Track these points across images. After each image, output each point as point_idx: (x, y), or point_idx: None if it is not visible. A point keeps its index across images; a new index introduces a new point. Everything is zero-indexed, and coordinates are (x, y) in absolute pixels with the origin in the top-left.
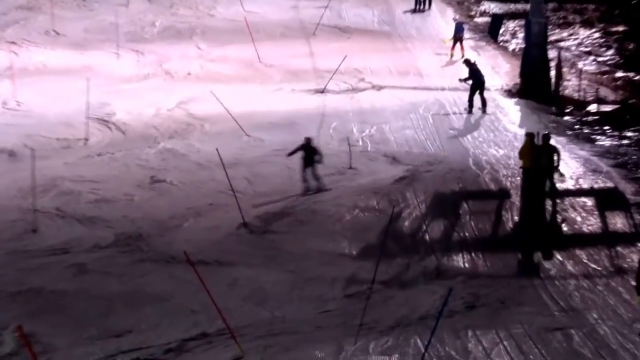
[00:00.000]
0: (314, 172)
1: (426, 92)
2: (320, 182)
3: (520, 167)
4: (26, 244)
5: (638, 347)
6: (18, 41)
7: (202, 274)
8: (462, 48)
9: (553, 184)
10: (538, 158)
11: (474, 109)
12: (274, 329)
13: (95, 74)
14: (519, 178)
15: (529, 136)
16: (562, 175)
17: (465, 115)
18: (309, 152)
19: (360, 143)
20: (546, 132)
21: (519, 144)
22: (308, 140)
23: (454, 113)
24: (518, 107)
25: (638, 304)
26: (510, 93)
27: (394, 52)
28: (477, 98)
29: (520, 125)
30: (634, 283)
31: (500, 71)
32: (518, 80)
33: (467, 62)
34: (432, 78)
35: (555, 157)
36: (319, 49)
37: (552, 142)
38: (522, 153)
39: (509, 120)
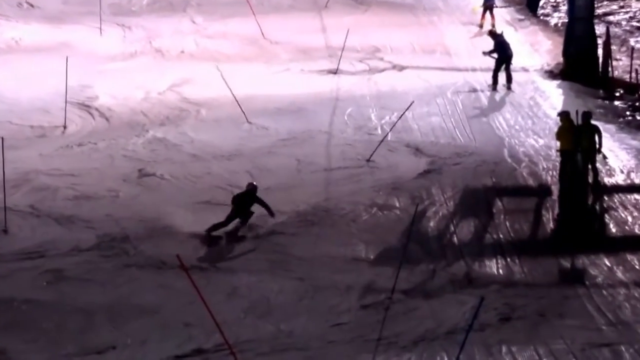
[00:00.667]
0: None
1: (455, 73)
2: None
3: (557, 150)
4: None
5: None
6: None
7: (198, 281)
8: (492, 17)
9: (595, 168)
10: (577, 139)
11: (499, 86)
12: (280, 345)
13: (75, 52)
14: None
15: (565, 115)
16: (605, 157)
17: (499, 100)
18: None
19: (379, 132)
20: (586, 110)
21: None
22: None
23: (487, 97)
24: (560, 91)
25: None
26: (551, 74)
27: (418, 27)
28: (502, 74)
29: (606, 158)
30: None
31: (540, 49)
32: (561, 60)
33: (492, 34)
34: (462, 57)
35: (597, 138)
36: (332, 23)
37: (594, 122)
38: (560, 134)
39: (550, 105)
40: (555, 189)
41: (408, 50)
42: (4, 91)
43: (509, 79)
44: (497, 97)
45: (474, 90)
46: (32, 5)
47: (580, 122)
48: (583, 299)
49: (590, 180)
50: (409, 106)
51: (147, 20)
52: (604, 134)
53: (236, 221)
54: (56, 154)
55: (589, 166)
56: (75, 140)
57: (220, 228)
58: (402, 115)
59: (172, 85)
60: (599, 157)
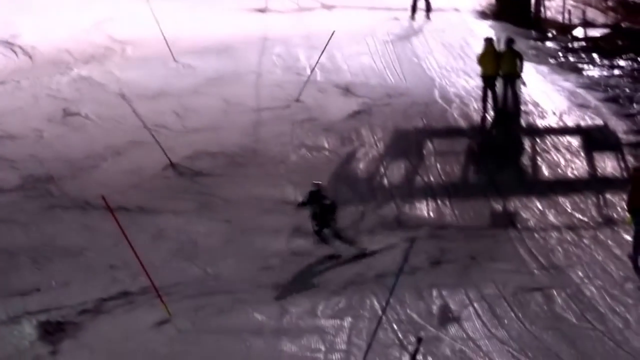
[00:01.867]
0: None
1: (386, 12)
2: (346, 239)
3: (480, 75)
4: None
5: (630, 309)
6: None
7: (123, 222)
8: None
9: (515, 93)
10: (499, 64)
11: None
12: (207, 288)
13: None
14: (489, 114)
15: (488, 41)
16: (524, 84)
17: (430, 40)
18: (322, 208)
19: (308, 72)
20: (509, 37)
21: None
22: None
23: (418, 38)
24: (493, 32)
25: (628, 223)
26: (483, 14)
27: None
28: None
29: (525, 83)
30: (625, 224)
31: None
32: (493, 0)
33: None
34: None
35: (518, 63)
36: None
37: (522, 62)
38: (482, 59)
39: (482, 46)
40: (486, 131)
41: None
42: None
43: (428, 8)
44: (428, 37)
45: (406, 30)
46: None
47: (503, 48)
48: (515, 243)
49: (510, 104)
50: (331, 36)
51: None
52: (536, 75)
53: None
54: None
55: (509, 91)
56: None
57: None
58: (324, 48)
59: (97, 22)
60: (519, 82)
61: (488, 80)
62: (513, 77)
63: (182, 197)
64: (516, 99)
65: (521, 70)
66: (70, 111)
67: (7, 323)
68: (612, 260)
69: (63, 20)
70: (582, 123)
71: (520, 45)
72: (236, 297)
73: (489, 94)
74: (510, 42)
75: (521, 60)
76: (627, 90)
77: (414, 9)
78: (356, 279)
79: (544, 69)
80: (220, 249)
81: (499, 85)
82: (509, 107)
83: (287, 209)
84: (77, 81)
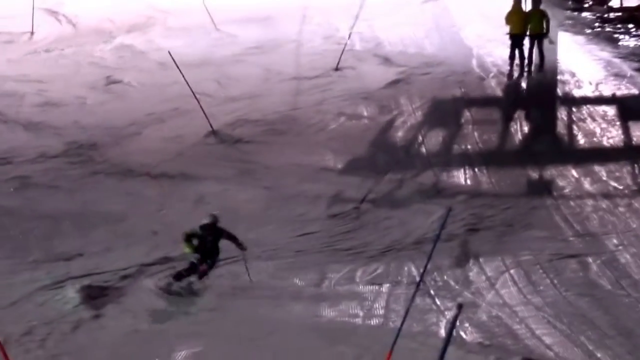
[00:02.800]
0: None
1: None
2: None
3: (507, 34)
4: None
5: None
6: None
7: (164, 189)
8: None
9: (542, 52)
10: (526, 24)
11: None
12: (247, 254)
13: None
14: (526, 85)
15: (516, 0)
16: (552, 42)
17: (468, 10)
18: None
19: (348, 41)
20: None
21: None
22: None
23: (456, 7)
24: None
25: None
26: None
27: None
28: None
29: (552, 42)
30: None
31: None
32: None
33: None
34: None
35: (545, 24)
36: None
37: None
38: (509, 18)
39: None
40: (524, 100)
41: None
42: None
43: None
44: (467, 7)
45: (444, 1)
46: None
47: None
48: (550, 210)
49: (537, 62)
50: (360, 9)
51: None
52: (573, 45)
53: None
54: (24, 60)
55: (541, 48)
56: (43, 46)
57: (184, 277)
58: (358, 14)
59: None
60: (546, 41)
61: (515, 39)
62: (540, 36)
63: (223, 164)
64: (542, 57)
65: (548, 30)
66: (113, 79)
67: (51, 287)
68: None
69: None
70: (618, 92)
71: (557, 15)
72: (276, 262)
73: (516, 52)
74: (537, 2)
75: (548, 20)
76: None
77: None
78: (394, 245)
79: (580, 39)
80: (260, 215)
81: (526, 43)
82: (536, 62)
83: (326, 176)
84: (119, 49)
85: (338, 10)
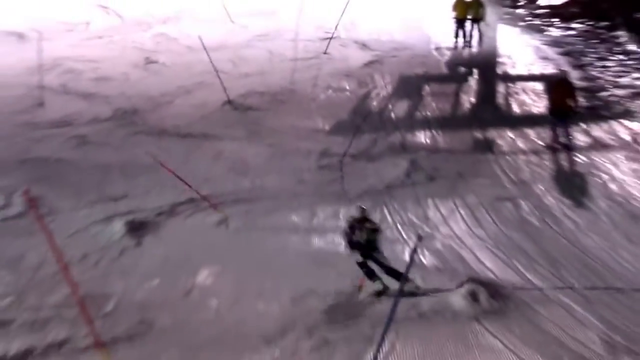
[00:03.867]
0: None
1: None
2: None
3: (453, 18)
4: (33, 117)
5: (580, 215)
6: None
7: (190, 146)
8: None
9: (480, 31)
10: (467, 10)
11: None
12: (254, 196)
13: None
14: (474, 65)
15: None
16: (487, 24)
17: (429, 7)
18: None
19: (335, 31)
20: None
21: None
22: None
23: (419, 5)
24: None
25: None
26: None
27: None
28: None
29: (487, 23)
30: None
31: None
32: None
33: None
34: None
35: (481, 10)
36: None
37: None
38: (455, 6)
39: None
40: (471, 77)
41: None
42: None
43: None
44: (427, 6)
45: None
46: None
47: None
48: (491, 163)
49: (475, 38)
50: (346, 6)
51: None
52: (510, 34)
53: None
54: (81, 44)
55: (477, 29)
56: (96, 33)
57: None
58: (343, 11)
59: None
60: (482, 24)
61: (459, 22)
62: (477, 20)
63: (236, 126)
64: (480, 35)
65: (484, 15)
66: (151, 59)
67: (102, 222)
68: (567, 174)
69: None
70: (545, 72)
71: (497, 11)
72: (277, 203)
73: (460, 32)
74: None
75: (484, 8)
76: (579, 47)
77: None
78: (370, 189)
79: (515, 29)
80: (265, 166)
81: (467, 25)
82: (474, 39)
83: (316, 136)
84: (156, 36)
85: (327, 6)
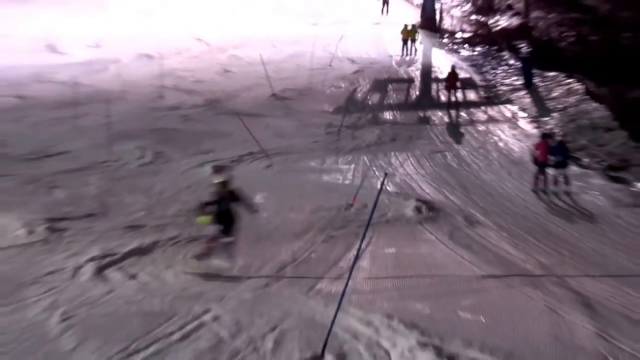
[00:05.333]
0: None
1: (374, 26)
2: None
3: (401, 39)
4: (157, 104)
5: (481, 161)
6: None
7: (249, 122)
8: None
9: (415, 48)
10: (409, 33)
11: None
12: (289, 150)
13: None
14: (418, 72)
15: (404, 25)
16: (421, 43)
17: (391, 38)
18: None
19: (335, 52)
20: (413, 24)
21: (422, 56)
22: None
23: (385, 37)
24: (422, 33)
25: None
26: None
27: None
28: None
29: (421, 42)
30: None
31: (410, 15)
32: (420, 20)
33: None
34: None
35: (417, 35)
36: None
37: (420, 34)
38: (402, 31)
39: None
40: (416, 80)
41: (338, 16)
42: (160, 30)
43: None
44: (390, 37)
45: (382, 35)
46: None
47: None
48: (429, 131)
49: (414, 51)
50: (341, 37)
51: None
52: (439, 54)
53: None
54: (186, 61)
55: (414, 43)
56: (194, 55)
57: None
58: (339, 40)
59: (238, 29)
60: (418, 42)
61: (404, 41)
62: (414, 40)
63: (277, 110)
64: (415, 50)
65: (418, 37)
66: (227, 70)
67: (198, 166)
68: (474, 137)
69: (222, 27)
70: (460, 76)
71: (431, 40)
72: (302, 155)
73: (404, 48)
74: (414, 26)
75: (418, 33)
76: (480, 61)
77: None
78: (356, 147)
79: (442, 51)
80: (294, 133)
81: (410, 43)
82: (413, 52)
83: (325, 115)
84: (230, 56)
85: (332, 38)
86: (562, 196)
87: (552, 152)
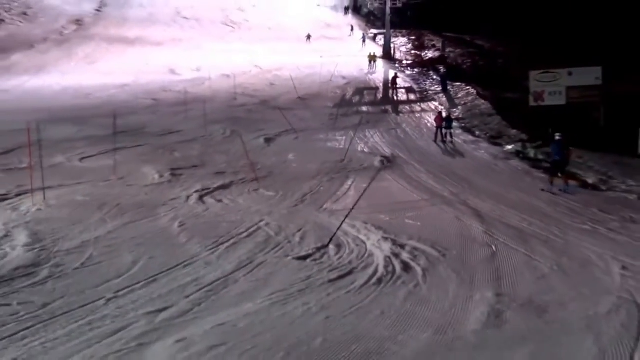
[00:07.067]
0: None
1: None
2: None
3: (368, 59)
4: (232, 103)
5: (415, 132)
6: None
7: (285, 112)
8: (364, 44)
9: (376, 65)
10: (373, 57)
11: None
12: (309, 128)
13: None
14: (381, 84)
15: (370, 53)
16: (382, 65)
17: (367, 70)
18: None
19: (333, 72)
20: (374, 53)
21: (383, 74)
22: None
23: (362, 63)
24: (382, 62)
25: None
26: (380, 57)
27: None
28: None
29: (383, 66)
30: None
31: (375, 49)
32: (382, 53)
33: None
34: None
35: (377, 57)
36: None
37: (380, 61)
38: (368, 55)
39: (381, 66)
40: (381, 88)
41: (335, 52)
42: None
43: (364, 40)
44: (365, 63)
45: (362, 65)
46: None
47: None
48: (388, 117)
49: (375, 67)
50: (337, 65)
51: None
52: (392, 73)
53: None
54: (249, 79)
55: (375, 62)
56: (253, 75)
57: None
58: (336, 67)
59: (277, 58)
60: (378, 63)
61: (369, 61)
62: (375, 61)
63: (300, 105)
64: (376, 66)
65: (377, 60)
66: (272, 83)
67: (256, 138)
68: (413, 120)
69: (269, 58)
70: (405, 85)
71: (390, 65)
72: (315, 130)
73: (369, 66)
74: (374, 53)
75: (377, 57)
76: (417, 77)
77: (362, 46)
78: (346, 127)
79: (394, 70)
80: (310, 118)
81: (372, 62)
82: (374, 67)
83: (328, 109)
84: (274, 75)
85: (332, 65)
86: (462, 151)
87: (444, 121)
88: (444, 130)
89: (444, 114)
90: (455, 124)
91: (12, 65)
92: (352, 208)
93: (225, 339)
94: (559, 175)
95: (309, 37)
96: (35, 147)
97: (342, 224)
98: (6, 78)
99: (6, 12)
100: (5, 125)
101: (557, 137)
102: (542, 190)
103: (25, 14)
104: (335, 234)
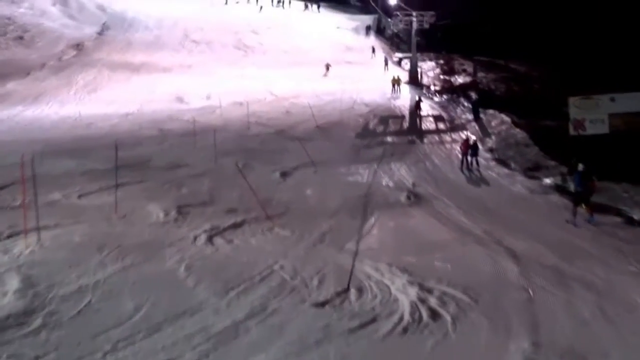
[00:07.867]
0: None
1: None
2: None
3: (391, 83)
4: (245, 133)
5: (448, 166)
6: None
7: (302, 143)
8: (386, 65)
9: (400, 90)
10: (396, 81)
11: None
12: (329, 160)
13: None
14: (407, 111)
15: (393, 76)
16: (408, 92)
17: (388, 92)
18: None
19: (357, 100)
20: (398, 75)
21: (409, 100)
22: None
23: (386, 87)
24: (408, 87)
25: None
26: (406, 82)
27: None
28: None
29: (409, 92)
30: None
31: (403, 74)
32: (408, 78)
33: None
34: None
35: (401, 81)
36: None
37: (405, 86)
38: (391, 79)
39: (406, 91)
40: (406, 116)
41: (356, 77)
42: (247, 87)
43: (386, 63)
44: (388, 87)
45: (385, 90)
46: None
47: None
48: (415, 149)
49: (399, 91)
50: (358, 93)
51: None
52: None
53: None
54: (262, 106)
55: (399, 86)
56: (267, 103)
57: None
58: (357, 93)
59: (293, 85)
60: (402, 86)
61: (392, 85)
62: (399, 84)
63: (319, 135)
64: (400, 90)
65: (402, 83)
66: (288, 111)
67: (271, 172)
68: (442, 152)
69: (285, 85)
70: (434, 113)
71: (416, 90)
72: (336, 163)
73: (393, 89)
74: (398, 77)
75: (401, 81)
76: (446, 104)
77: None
78: (369, 159)
79: (422, 96)
80: (331, 150)
81: (396, 86)
82: (398, 92)
83: (350, 136)
84: (290, 103)
85: (353, 92)
86: (495, 184)
87: (469, 147)
88: (469, 158)
89: (470, 141)
90: (487, 155)
91: (7, 94)
92: (358, 245)
93: None
94: (583, 206)
95: (327, 67)
96: (30, 183)
97: (354, 261)
98: (0, 108)
99: (1, 35)
100: None
101: (580, 168)
102: (567, 221)
103: (21, 37)
104: (351, 274)
